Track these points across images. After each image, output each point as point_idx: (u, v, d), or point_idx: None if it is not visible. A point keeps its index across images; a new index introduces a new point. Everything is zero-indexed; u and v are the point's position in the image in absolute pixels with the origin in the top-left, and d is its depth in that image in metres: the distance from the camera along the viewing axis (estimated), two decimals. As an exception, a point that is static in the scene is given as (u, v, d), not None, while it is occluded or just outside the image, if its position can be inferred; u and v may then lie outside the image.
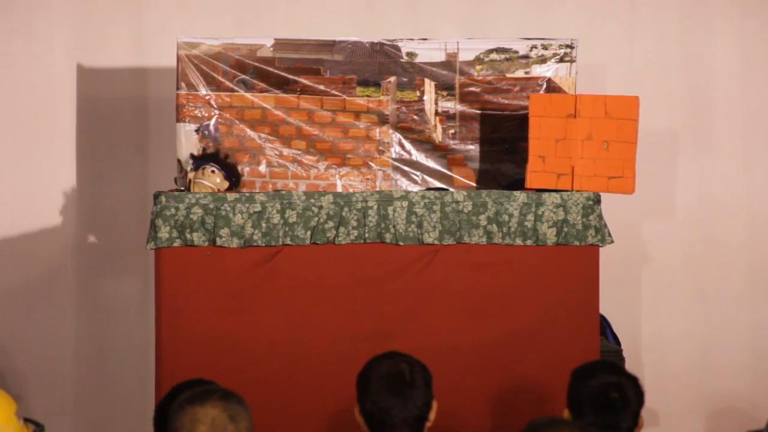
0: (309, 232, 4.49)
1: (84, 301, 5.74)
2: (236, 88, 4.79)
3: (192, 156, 4.73)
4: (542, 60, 4.84)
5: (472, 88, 4.84)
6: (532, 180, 4.63)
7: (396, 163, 4.89)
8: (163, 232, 4.44)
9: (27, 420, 3.67)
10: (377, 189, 4.83)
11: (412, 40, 4.84)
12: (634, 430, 3.45)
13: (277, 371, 4.49)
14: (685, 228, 5.90)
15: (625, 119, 4.54)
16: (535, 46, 4.84)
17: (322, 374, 4.49)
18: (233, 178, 4.75)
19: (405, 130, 4.85)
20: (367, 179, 4.88)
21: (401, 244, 4.51)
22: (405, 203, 4.50)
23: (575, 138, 4.56)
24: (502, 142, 4.87)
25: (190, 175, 4.69)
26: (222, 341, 4.48)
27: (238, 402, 3.05)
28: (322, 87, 4.79)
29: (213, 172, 4.67)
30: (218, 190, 4.67)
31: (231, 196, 4.47)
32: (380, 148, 4.86)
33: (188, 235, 4.45)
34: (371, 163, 4.86)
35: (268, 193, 4.51)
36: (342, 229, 4.48)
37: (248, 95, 4.79)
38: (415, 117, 4.85)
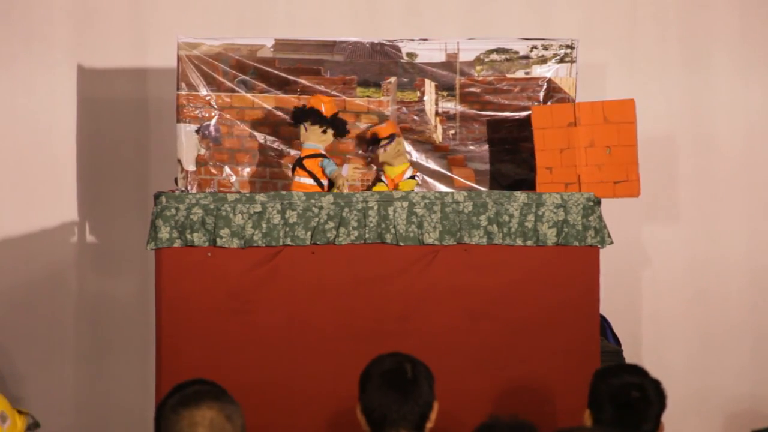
0: (309, 233, 4.48)
1: (84, 301, 5.74)
2: (237, 89, 4.78)
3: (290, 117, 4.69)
4: (542, 60, 4.84)
5: (472, 89, 4.84)
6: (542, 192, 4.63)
7: (396, 164, 4.88)
8: (164, 233, 4.44)
9: (22, 413, 3.66)
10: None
11: (413, 40, 4.84)
12: None
13: (278, 371, 4.49)
14: (685, 228, 5.90)
15: (624, 123, 4.55)
16: (535, 47, 4.83)
17: (323, 374, 4.49)
18: (335, 127, 4.65)
19: (405, 131, 4.85)
20: (368, 179, 4.87)
21: (401, 244, 4.50)
22: (405, 204, 4.49)
23: (578, 146, 4.57)
24: (502, 142, 4.87)
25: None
26: (222, 341, 4.48)
27: (230, 401, 3.06)
28: (322, 87, 4.79)
29: (306, 130, 4.63)
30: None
31: (231, 196, 4.47)
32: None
33: (188, 236, 4.44)
34: (372, 163, 4.86)
35: (268, 193, 4.50)
36: (342, 230, 4.48)
37: (249, 96, 4.78)
38: (415, 117, 4.85)
